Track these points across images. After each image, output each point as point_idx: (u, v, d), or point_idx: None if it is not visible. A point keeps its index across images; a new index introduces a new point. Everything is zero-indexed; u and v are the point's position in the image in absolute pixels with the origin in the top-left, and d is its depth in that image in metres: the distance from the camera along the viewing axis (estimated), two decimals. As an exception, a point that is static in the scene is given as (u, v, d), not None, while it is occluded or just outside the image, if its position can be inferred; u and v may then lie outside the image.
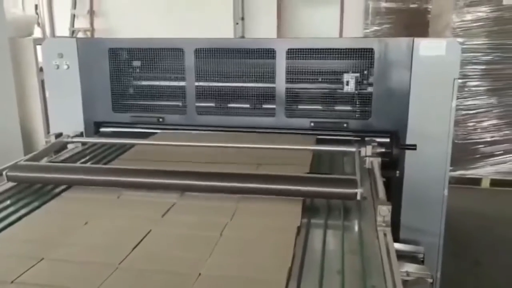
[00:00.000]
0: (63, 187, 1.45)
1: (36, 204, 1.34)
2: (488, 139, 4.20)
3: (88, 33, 7.90)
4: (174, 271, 0.96)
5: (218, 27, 7.12)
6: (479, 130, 4.20)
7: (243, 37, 7.47)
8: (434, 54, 1.86)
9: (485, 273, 2.84)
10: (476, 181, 4.28)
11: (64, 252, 1.03)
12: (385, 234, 1.13)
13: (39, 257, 1.00)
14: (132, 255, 1.02)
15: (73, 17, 7.95)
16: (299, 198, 1.32)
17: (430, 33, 4.97)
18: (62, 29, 7.96)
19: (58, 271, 0.96)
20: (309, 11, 7.55)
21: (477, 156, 4.25)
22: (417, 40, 1.87)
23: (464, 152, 4.24)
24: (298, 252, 1.06)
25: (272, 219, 1.22)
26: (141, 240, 1.08)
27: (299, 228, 1.16)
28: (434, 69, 1.88)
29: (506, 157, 4.20)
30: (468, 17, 4.04)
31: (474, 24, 4.05)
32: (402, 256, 1.42)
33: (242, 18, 7.48)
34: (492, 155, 4.22)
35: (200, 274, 0.94)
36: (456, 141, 4.15)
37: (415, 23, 5.81)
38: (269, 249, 1.06)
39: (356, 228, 1.22)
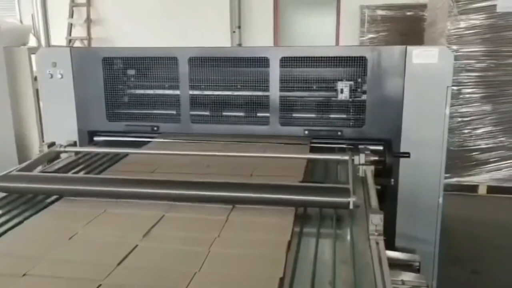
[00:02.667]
0: (55, 197, 1.44)
1: (27, 214, 1.34)
2: (484, 146, 4.21)
3: (85, 42, 7.92)
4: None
5: (215, 36, 7.16)
6: (474, 137, 4.21)
7: (240, 45, 7.50)
8: (427, 62, 1.86)
9: (482, 281, 2.83)
10: (473, 188, 4.28)
11: (45, 268, 1.00)
12: (377, 243, 1.12)
13: (19, 273, 0.97)
14: (116, 271, 0.99)
15: (70, 26, 7.97)
16: (291, 207, 1.32)
17: (425, 40, 5.00)
18: (60, 38, 7.97)
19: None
20: (305, 19, 7.60)
21: (473, 163, 4.25)
22: (410, 48, 1.88)
23: (460, 159, 4.24)
24: (290, 262, 1.05)
25: (262, 236, 1.18)
26: (126, 256, 1.05)
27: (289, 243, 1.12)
28: (427, 77, 1.89)
29: (502, 164, 4.20)
30: (462, 24, 4.07)
31: (468, 32, 4.08)
32: (398, 265, 1.41)
33: (239, 27, 7.51)
34: (488, 162, 4.23)
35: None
36: (451, 148, 4.16)
37: (411, 31, 5.85)
38: (259, 264, 1.04)
39: (349, 237, 1.21)
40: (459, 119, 4.20)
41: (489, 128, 4.19)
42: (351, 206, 1.26)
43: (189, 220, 1.26)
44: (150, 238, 1.15)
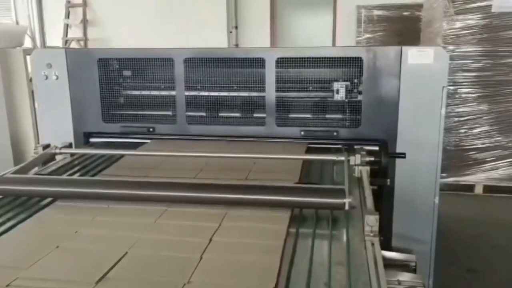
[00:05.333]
0: (49, 199, 1.43)
1: (22, 216, 1.33)
2: (480, 146, 4.22)
3: (82, 43, 7.90)
4: None
5: (212, 36, 7.16)
6: (471, 137, 4.22)
7: (237, 45, 7.51)
8: (422, 62, 1.86)
9: (478, 280, 2.83)
10: (469, 188, 4.29)
11: (33, 273, 0.99)
12: (372, 244, 1.12)
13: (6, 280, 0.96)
14: (109, 278, 0.97)
15: (66, 27, 7.95)
16: (287, 209, 1.32)
17: (421, 40, 5.02)
18: (56, 39, 7.96)
19: None
20: (302, 19, 7.60)
21: (470, 162, 4.27)
22: (405, 48, 1.88)
23: (456, 158, 4.25)
24: (285, 263, 1.05)
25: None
26: (119, 260, 1.04)
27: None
28: (423, 77, 1.89)
29: (498, 163, 4.22)
30: (458, 24, 4.08)
31: (464, 32, 4.09)
32: (394, 265, 1.41)
33: (236, 27, 7.51)
34: (484, 161, 4.24)
35: None
36: (448, 147, 4.17)
37: (407, 31, 5.86)
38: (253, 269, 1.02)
39: (344, 238, 1.21)
40: (456, 119, 4.22)
41: (486, 128, 4.20)
42: (346, 207, 1.26)
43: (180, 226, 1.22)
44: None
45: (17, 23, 7.95)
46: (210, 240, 1.14)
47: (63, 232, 1.19)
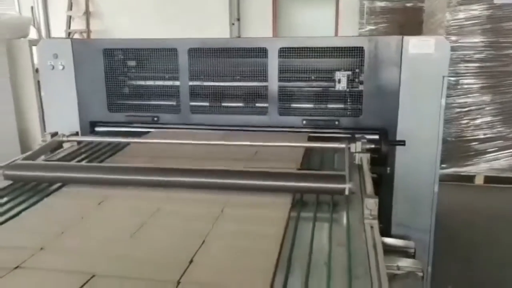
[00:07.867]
0: (58, 184, 1.48)
1: (32, 201, 1.37)
2: (481, 136, 4.24)
3: (84, 35, 7.92)
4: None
5: (214, 28, 7.16)
6: (472, 128, 4.24)
7: (239, 37, 7.51)
8: (423, 52, 1.89)
9: (477, 270, 2.87)
10: (470, 178, 4.31)
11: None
12: (371, 227, 1.16)
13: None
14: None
15: (69, 18, 7.96)
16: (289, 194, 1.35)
17: (424, 31, 5.01)
18: (59, 31, 7.98)
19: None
20: (304, 11, 7.59)
21: (471, 153, 4.29)
22: (407, 38, 1.90)
23: (457, 149, 4.27)
24: (287, 243, 1.09)
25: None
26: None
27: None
28: (423, 67, 1.91)
29: (499, 154, 4.24)
30: (461, 15, 4.08)
31: (467, 22, 4.09)
32: (393, 251, 1.44)
33: (238, 19, 7.51)
34: (485, 152, 4.26)
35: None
36: (449, 138, 4.19)
37: (410, 22, 5.85)
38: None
39: (344, 221, 1.25)
40: (458, 110, 4.23)
41: (488, 119, 4.22)
42: (346, 192, 1.29)
43: (177, 224, 1.23)
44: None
45: (20, 14, 7.96)
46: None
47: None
